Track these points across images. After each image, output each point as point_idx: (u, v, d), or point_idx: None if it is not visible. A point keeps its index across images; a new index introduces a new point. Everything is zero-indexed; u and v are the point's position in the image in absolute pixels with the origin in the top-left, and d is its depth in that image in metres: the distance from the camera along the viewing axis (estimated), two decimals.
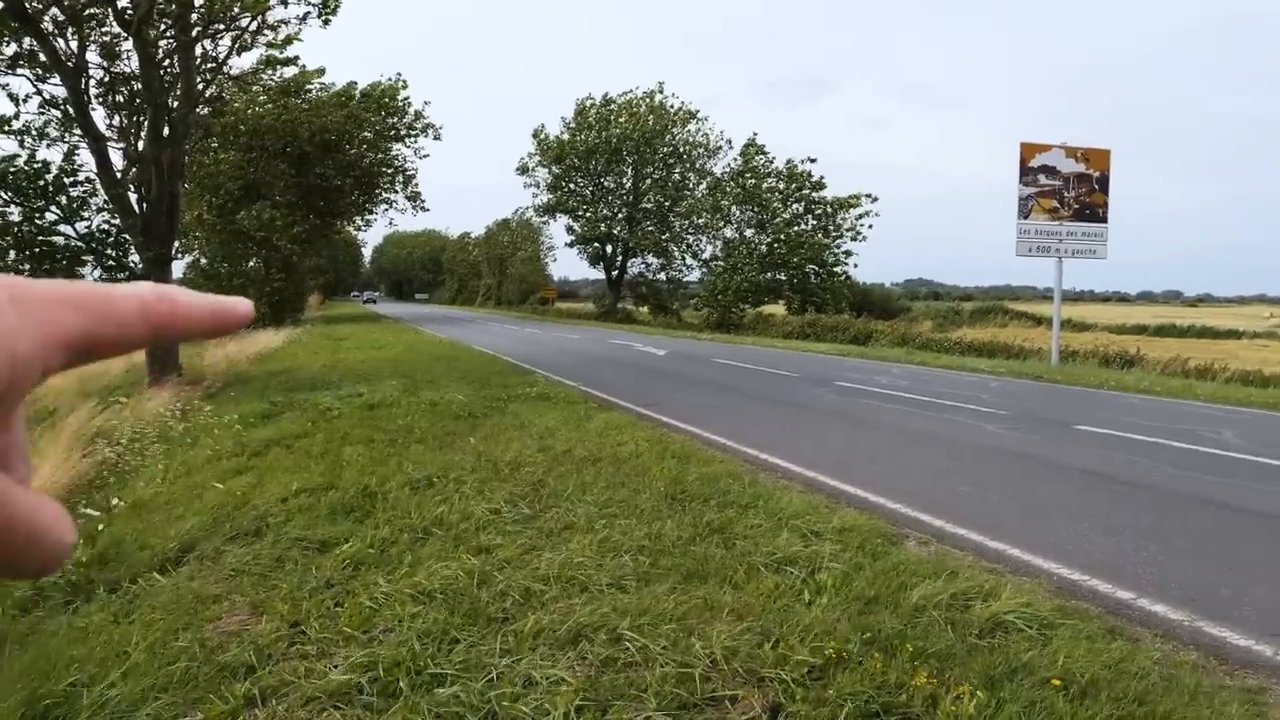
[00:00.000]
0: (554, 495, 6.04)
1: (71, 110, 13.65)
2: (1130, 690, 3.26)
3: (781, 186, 40.26)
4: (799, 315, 36.00)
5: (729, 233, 42.14)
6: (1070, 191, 20.26)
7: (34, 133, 14.79)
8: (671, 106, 47.99)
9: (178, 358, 14.74)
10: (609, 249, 51.37)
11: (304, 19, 14.79)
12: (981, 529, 5.69)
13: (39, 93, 14.25)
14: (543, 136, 50.95)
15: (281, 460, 7.45)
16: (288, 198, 29.81)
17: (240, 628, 3.84)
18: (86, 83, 13.56)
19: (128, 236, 14.52)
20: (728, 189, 42.00)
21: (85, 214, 14.81)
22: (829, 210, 39.51)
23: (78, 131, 14.15)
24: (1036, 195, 20.08)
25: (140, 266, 14.30)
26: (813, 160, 39.86)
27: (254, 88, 21.65)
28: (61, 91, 13.74)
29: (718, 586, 4.27)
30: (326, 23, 15.03)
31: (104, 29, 13.96)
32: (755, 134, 42.26)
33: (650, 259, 49.68)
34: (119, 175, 13.91)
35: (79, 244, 14.77)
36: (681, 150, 48.52)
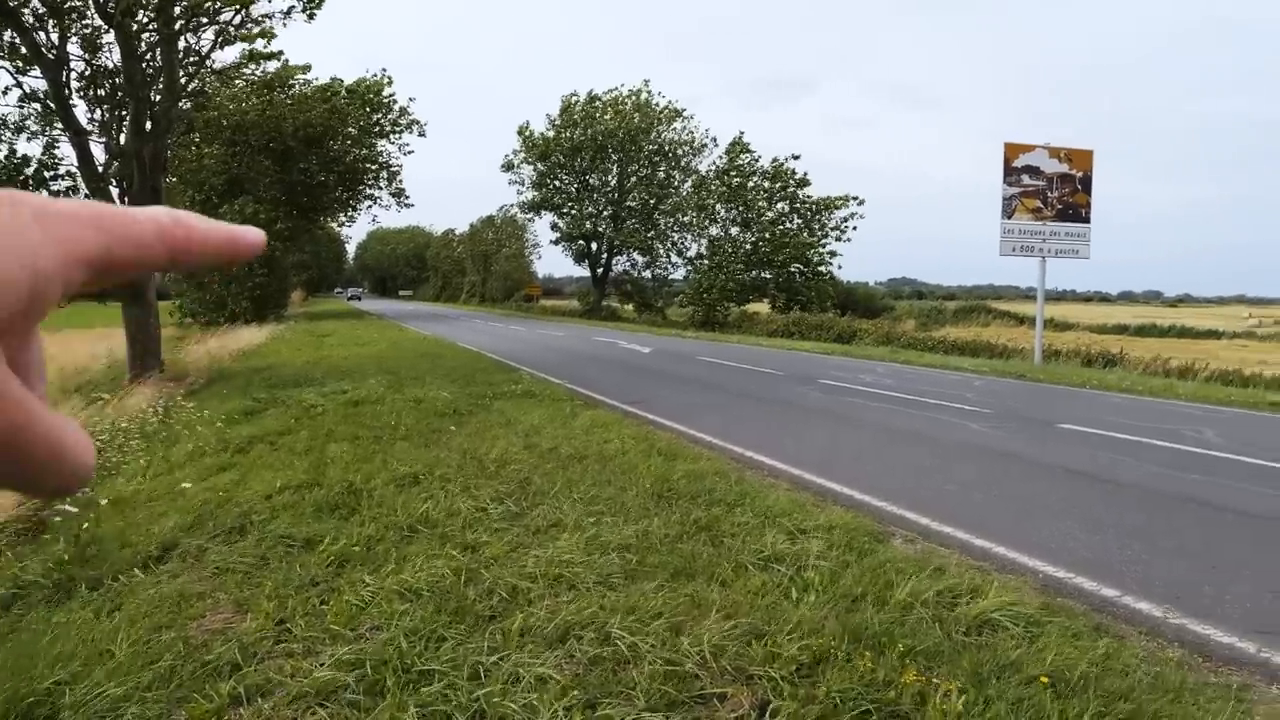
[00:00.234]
0: (540, 493, 6.02)
1: (52, 104, 13.49)
2: (1116, 687, 3.28)
3: (766, 185, 40.35)
4: (784, 314, 36.12)
5: (714, 231, 42.23)
6: (1053, 192, 20.39)
7: (13, 126, 14.63)
8: (657, 104, 48.00)
9: (160, 354, 14.61)
10: (594, 246, 51.32)
11: (288, 12, 14.67)
12: (967, 527, 5.71)
13: (19, 85, 14.08)
14: (528, 133, 50.84)
15: (265, 457, 7.39)
16: (271, 193, 29.63)
17: (225, 626, 3.80)
18: (67, 76, 13.41)
19: None
20: (713, 187, 42.05)
21: None
22: (814, 209, 39.64)
23: (58, 125, 14.00)
24: (1020, 195, 20.20)
25: None
26: (796, 157, 40.04)
27: (237, 82, 21.49)
28: (42, 84, 13.59)
29: (705, 584, 4.27)
30: (311, 17, 14.92)
31: (85, 21, 13.79)
32: (742, 132, 42.36)
33: (635, 257, 49.69)
34: (100, 170, 13.77)
35: None
36: (667, 148, 48.51)
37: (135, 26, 13.23)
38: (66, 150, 14.34)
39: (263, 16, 14.69)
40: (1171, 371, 18.45)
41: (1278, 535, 5.69)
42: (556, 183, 50.90)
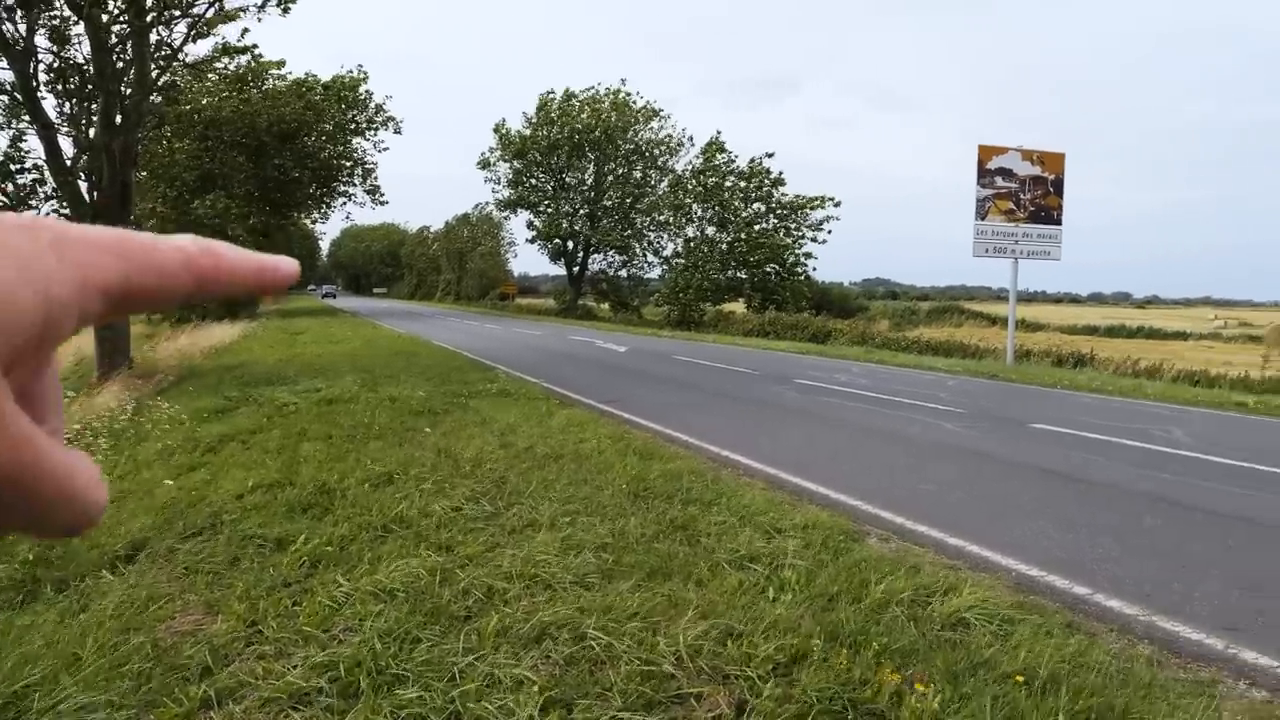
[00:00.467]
0: (516, 492, 5.99)
1: (19, 96, 13.27)
2: (1089, 684, 3.31)
3: (743, 185, 40.45)
4: (759, 313, 36.22)
5: (690, 231, 42.28)
6: (1026, 194, 20.58)
7: None
8: (635, 104, 47.97)
9: (129, 351, 14.42)
10: (570, 245, 51.21)
11: (263, 5, 14.51)
12: (941, 526, 5.75)
13: None
14: (504, 131, 50.66)
15: (236, 456, 7.31)
16: (245, 189, 29.31)
17: (195, 628, 3.75)
18: (35, 68, 13.19)
19: None
20: (689, 186, 42.09)
21: (33, 202, 14.40)
22: (790, 209, 39.77)
23: (26, 118, 13.77)
24: (993, 197, 20.37)
25: None
26: (770, 155, 40.12)
27: (210, 76, 21.24)
28: (8, 76, 13.36)
29: (682, 584, 4.26)
30: (286, 10, 14.79)
31: (53, 12, 13.58)
32: (719, 132, 42.42)
33: (612, 255, 49.66)
34: (69, 163, 13.56)
35: None
36: (644, 148, 48.50)
37: (105, 18, 13.05)
38: (34, 143, 14.11)
39: (237, 10, 14.54)
40: (1140, 372, 18.70)
41: (1245, 533, 5.77)
42: (533, 181, 50.78)
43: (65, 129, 14.09)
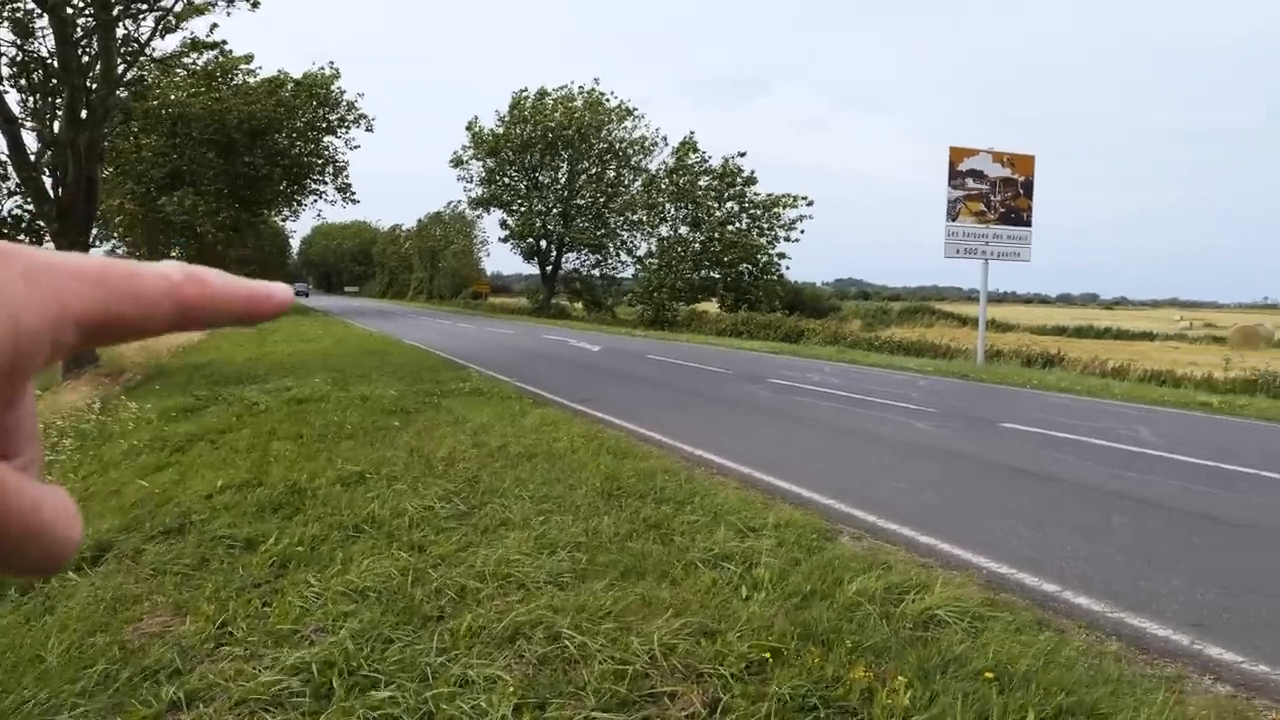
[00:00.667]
0: (489, 491, 5.97)
1: None
2: (1058, 680, 3.34)
3: (715, 184, 40.57)
4: (732, 313, 36.33)
5: (664, 230, 42.36)
6: (996, 195, 20.80)
7: None
8: (608, 103, 47.93)
9: (94, 349, 14.20)
10: (543, 244, 51.07)
11: (231, 0, 14.35)
12: (913, 524, 5.79)
13: None
14: (477, 129, 50.41)
15: (205, 456, 7.23)
16: (215, 186, 28.99)
17: (163, 629, 3.70)
18: None
19: (42, 223, 13.91)
20: (663, 186, 42.15)
21: None
22: (762, 208, 39.94)
23: None
24: (964, 198, 20.56)
25: None
26: (742, 154, 40.34)
27: (178, 72, 20.97)
28: None
29: (655, 583, 4.26)
30: (255, 5, 14.63)
31: (16, 5, 13.35)
32: (692, 132, 42.52)
33: (585, 255, 49.60)
34: (33, 159, 13.34)
35: None
36: (617, 147, 48.47)
37: (70, 11, 12.84)
38: None
39: (206, 5, 14.37)
40: (1108, 372, 18.95)
41: (1210, 531, 5.86)
42: (506, 179, 50.54)
43: (29, 124, 13.87)
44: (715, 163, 40.86)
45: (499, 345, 22.80)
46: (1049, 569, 4.96)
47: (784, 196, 39.65)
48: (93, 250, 14.27)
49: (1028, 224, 21.01)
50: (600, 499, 5.85)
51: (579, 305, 50.08)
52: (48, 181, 13.55)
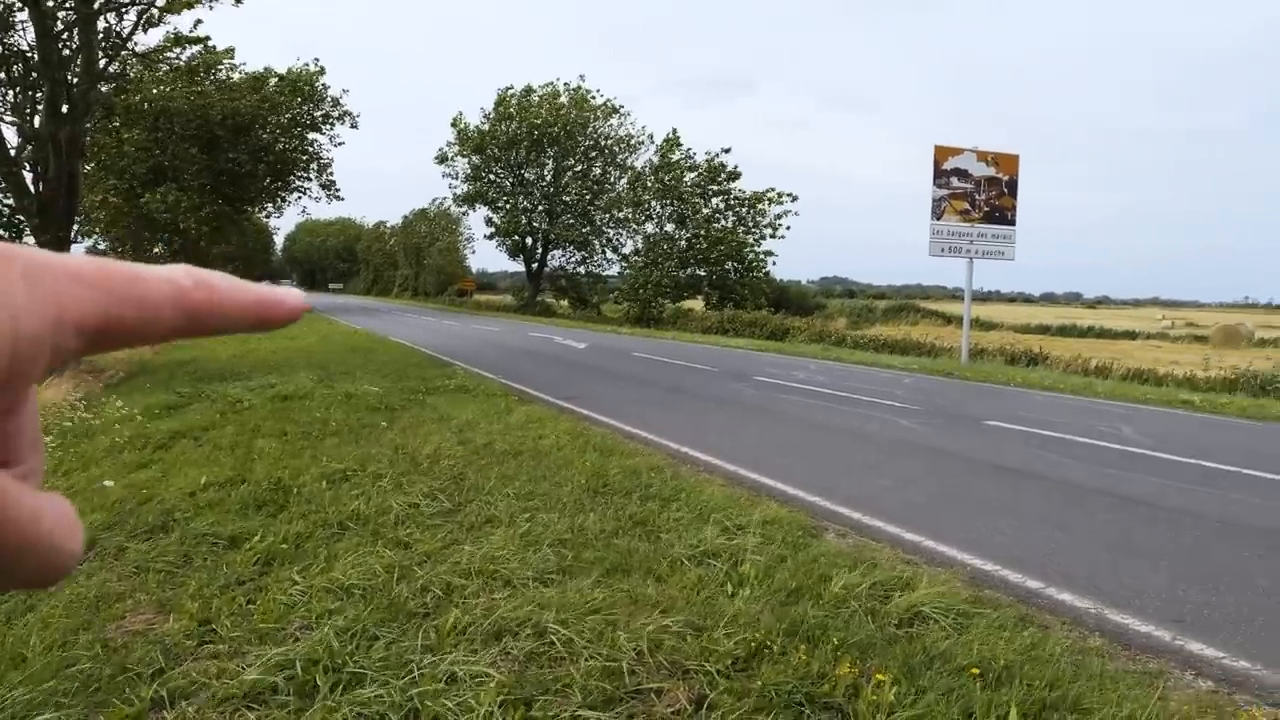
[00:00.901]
0: (474, 489, 5.96)
1: None
2: (1042, 676, 3.37)
3: (699, 180, 40.58)
4: (718, 311, 36.36)
5: (650, 228, 42.34)
6: (981, 194, 20.88)
7: None
8: (594, 100, 47.84)
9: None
10: (529, 241, 50.93)
11: None
12: (898, 521, 5.82)
13: None
14: (462, 126, 50.19)
15: (189, 453, 7.17)
16: (198, 181, 28.76)
17: (146, 627, 3.67)
18: None
19: (22, 218, 13.78)
20: (648, 183, 42.13)
21: None
22: (748, 205, 39.98)
23: None
24: (949, 197, 20.64)
25: None
26: (727, 151, 40.37)
27: (161, 66, 20.80)
28: None
29: (642, 579, 4.26)
30: (239, 1, 14.53)
31: None
32: (674, 129, 42.50)
33: (571, 252, 49.50)
34: (13, 153, 13.20)
35: None
36: (603, 144, 48.38)
37: (51, 4, 12.71)
38: None
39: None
40: (1090, 370, 19.07)
41: (1192, 528, 5.91)
42: (491, 176, 50.34)
43: (9, 118, 13.73)
44: (700, 159, 40.91)
45: (484, 342, 22.75)
46: (1033, 566, 4.99)
47: (768, 192, 39.73)
48: (74, 246, 14.14)
49: (1012, 223, 21.11)
50: (586, 496, 5.85)
51: (564, 303, 50.02)
52: (28, 177, 13.41)
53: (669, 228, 41.33)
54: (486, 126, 48.98)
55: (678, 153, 41.11)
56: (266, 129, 30.33)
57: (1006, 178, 21.07)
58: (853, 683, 3.24)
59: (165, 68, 21.51)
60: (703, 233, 39.63)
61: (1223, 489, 7.06)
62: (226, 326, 0.32)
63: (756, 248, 39.99)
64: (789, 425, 10.13)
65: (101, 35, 13.77)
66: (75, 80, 13.33)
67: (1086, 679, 3.41)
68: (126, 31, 14.28)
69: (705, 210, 40.33)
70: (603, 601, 3.90)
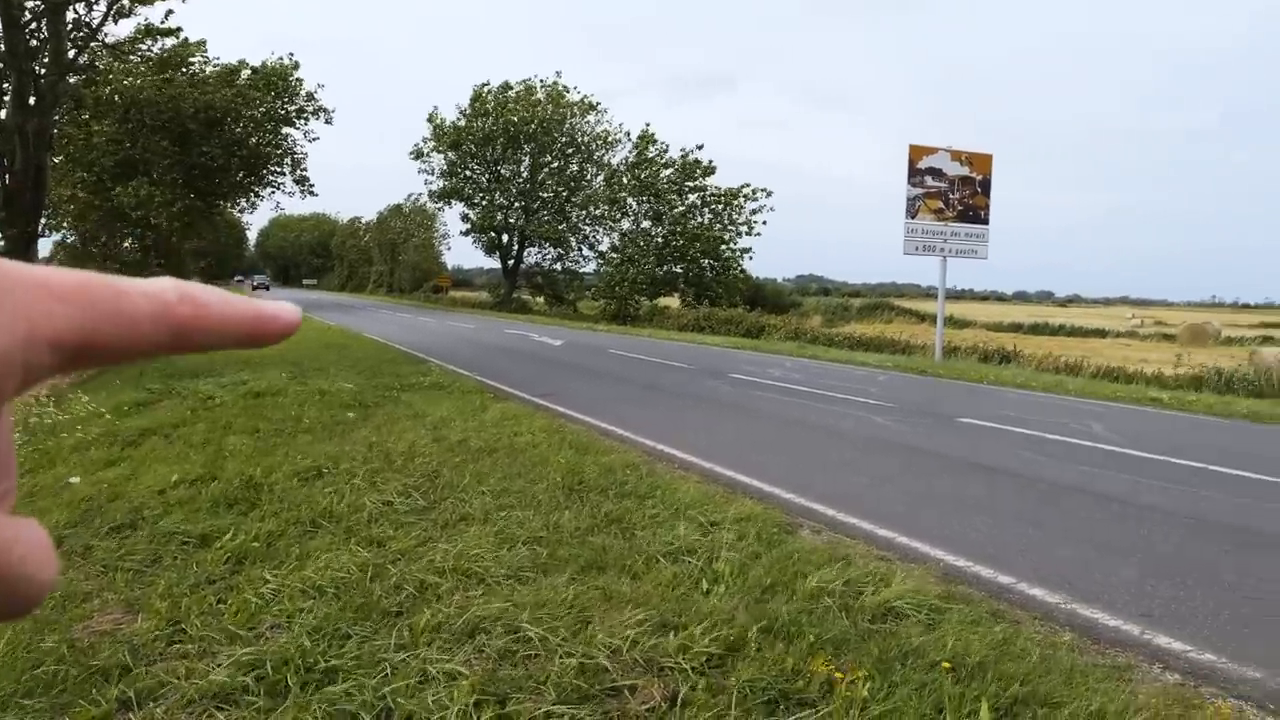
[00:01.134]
0: (449, 486, 5.92)
1: None
2: (1013, 671, 3.40)
3: (676, 177, 40.63)
4: (694, 308, 36.42)
5: (626, 225, 42.32)
6: (955, 193, 21.05)
7: None
8: (571, 97, 47.74)
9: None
10: (505, 238, 50.76)
11: None
12: (872, 518, 5.85)
13: None
14: (438, 121, 49.94)
15: (158, 450, 7.08)
16: (170, 176, 28.42)
17: (114, 627, 3.62)
18: None
19: None
20: (624, 180, 42.10)
21: None
22: (723, 200, 40.08)
23: None
24: (923, 196, 20.78)
25: (1, 244, 13.39)
26: (700, 147, 40.57)
27: (131, 58, 20.52)
28: None
29: (617, 577, 4.26)
30: None
31: None
32: (648, 124, 42.52)
33: (547, 249, 49.40)
34: None
35: None
36: (580, 141, 48.30)
37: None
38: None
39: None
40: (1062, 368, 19.26)
41: (1160, 524, 5.98)
42: (467, 172, 50.11)
43: None
44: (674, 155, 40.96)
45: (460, 339, 22.65)
46: (1005, 561, 5.03)
47: (743, 188, 39.86)
48: (42, 240, 13.92)
49: (985, 222, 21.30)
50: (562, 494, 5.83)
51: (541, 300, 49.92)
52: None
53: (645, 224, 41.35)
54: (463, 123, 48.75)
55: (653, 149, 41.15)
56: (240, 123, 30.04)
57: (980, 177, 21.25)
58: (827, 678, 3.25)
59: (136, 59, 21.22)
60: (679, 229, 39.68)
61: (1192, 485, 7.16)
62: (215, 343, 0.30)
63: (733, 245, 40.11)
64: (764, 422, 10.16)
65: (71, 26, 13.58)
66: (43, 71, 13.12)
67: (1058, 674, 3.44)
68: (96, 22, 14.09)
69: (681, 207, 40.38)
70: (578, 599, 3.89)
